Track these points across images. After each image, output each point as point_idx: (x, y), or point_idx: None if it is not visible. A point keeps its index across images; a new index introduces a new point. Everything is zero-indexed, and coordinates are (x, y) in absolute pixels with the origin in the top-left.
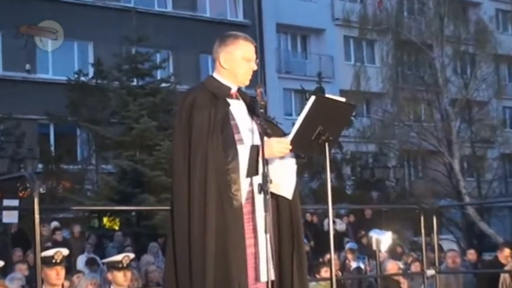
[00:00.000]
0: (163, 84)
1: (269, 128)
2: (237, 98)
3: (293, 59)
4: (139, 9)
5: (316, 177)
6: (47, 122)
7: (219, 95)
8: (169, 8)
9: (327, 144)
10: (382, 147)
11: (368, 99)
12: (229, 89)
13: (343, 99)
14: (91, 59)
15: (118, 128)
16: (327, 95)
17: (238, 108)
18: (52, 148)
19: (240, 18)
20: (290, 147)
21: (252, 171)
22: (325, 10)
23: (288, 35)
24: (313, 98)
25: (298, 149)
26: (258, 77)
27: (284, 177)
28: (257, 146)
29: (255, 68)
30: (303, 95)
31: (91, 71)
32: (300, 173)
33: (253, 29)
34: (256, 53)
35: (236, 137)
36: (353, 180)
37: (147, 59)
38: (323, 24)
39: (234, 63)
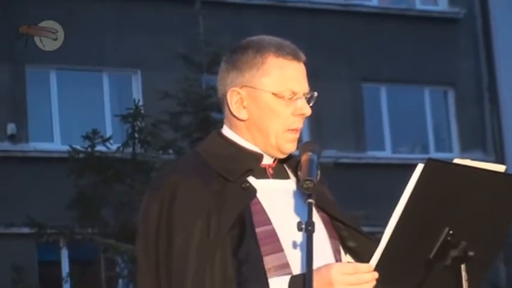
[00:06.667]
0: None
1: (351, 238)
2: (278, 174)
3: None
4: None
5: None
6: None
7: (232, 173)
8: None
9: (463, 267)
10: None
11: None
12: (257, 158)
13: (501, 168)
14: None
15: None
16: (456, 160)
17: (279, 200)
18: None
19: (443, 6)
20: (373, 276)
21: None
22: None
23: None
24: (420, 167)
25: (396, 280)
26: (488, 130)
27: None
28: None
29: (309, 112)
30: None
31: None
32: None
33: (467, 26)
34: (307, 76)
35: (271, 259)
36: None
37: None
38: None
39: (259, 109)
